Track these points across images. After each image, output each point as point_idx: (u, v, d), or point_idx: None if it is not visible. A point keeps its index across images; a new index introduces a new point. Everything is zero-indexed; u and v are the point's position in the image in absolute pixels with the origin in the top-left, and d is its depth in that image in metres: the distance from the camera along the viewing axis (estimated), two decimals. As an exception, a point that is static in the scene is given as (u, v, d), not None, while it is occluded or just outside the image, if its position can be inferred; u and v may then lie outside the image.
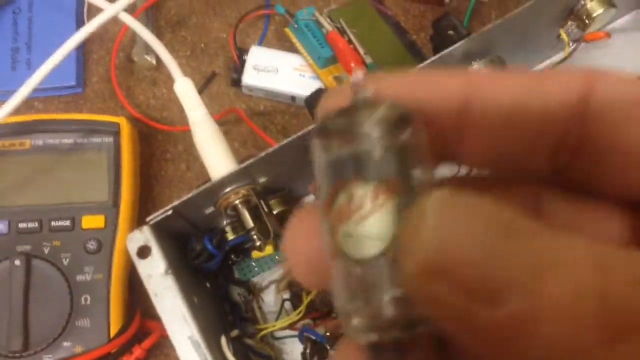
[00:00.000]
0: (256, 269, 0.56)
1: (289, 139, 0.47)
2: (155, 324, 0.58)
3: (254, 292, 0.55)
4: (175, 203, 0.46)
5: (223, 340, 0.47)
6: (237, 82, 0.65)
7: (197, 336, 0.44)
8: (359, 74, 0.21)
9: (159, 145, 0.64)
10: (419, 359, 0.19)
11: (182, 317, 0.44)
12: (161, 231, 0.47)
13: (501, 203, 0.17)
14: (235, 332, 0.50)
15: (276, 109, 0.65)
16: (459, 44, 0.47)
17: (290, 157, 0.48)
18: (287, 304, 0.54)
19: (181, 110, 0.64)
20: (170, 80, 0.65)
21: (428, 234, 0.17)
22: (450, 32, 0.52)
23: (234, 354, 0.46)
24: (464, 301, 0.16)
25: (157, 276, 0.45)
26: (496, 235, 0.17)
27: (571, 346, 0.15)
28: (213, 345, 0.45)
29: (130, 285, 0.58)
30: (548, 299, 0.15)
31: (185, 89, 0.52)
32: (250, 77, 0.64)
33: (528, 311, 0.16)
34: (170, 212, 0.46)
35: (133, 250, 0.45)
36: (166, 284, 0.45)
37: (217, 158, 0.49)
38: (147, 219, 0.46)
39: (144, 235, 0.46)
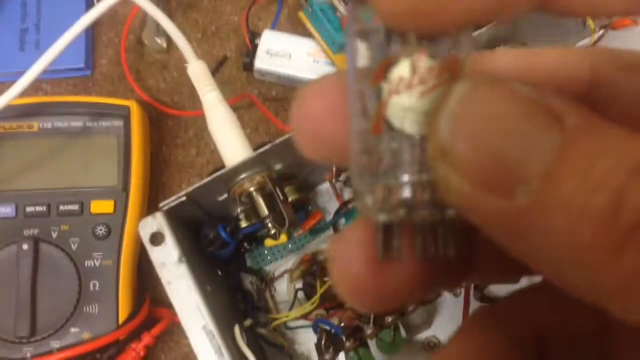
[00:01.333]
0: (269, 257, 0.55)
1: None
2: (164, 311, 0.57)
3: (266, 280, 0.55)
4: (189, 189, 0.45)
5: (237, 329, 0.46)
6: (249, 67, 0.64)
7: (211, 326, 0.43)
8: None
9: (169, 129, 0.63)
10: (446, 238, 0.19)
11: (195, 306, 0.43)
12: (174, 218, 0.46)
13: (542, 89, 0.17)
14: (248, 322, 0.49)
15: (288, 95, 0.64)
16: (484, 29, 0.46)
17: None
18: (300, 293, 0.53)
19: (192, 94, 0.63)
20: (180, 63, 0.64)
21: (445, 115, 0.17)
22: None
23: (247, 344, 0.45)
24: (472, 190, 0.16)
25: (171, 264, 0.44)
26: (515, 118, 0.16)
27: (575, 245, 0.15)
28: (226, 334, 0.44)
29: (139, 272, 0.57)
30: (560, 193, 0.15)
31: (199, 72, 0.51)
32: (262, 62, 0.63)
33: (538, 204, 0.15)
34: (184, 198, 0.45)
35: (146, 236, 0.44)
36: (179, 272, 0.44)
37: (232, 144, 0.48)
38: (160, 205, 0.45)
39: (157, 222, 0.45)
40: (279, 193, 0.47)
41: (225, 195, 0.48)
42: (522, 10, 0.19)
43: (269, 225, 0.47)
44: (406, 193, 0.18)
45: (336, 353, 0.48)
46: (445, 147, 0.16)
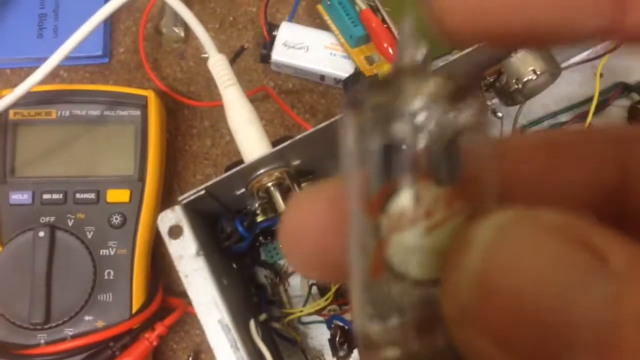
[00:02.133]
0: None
1: (327, 122, 0.46)
2: (178, 301, 0.57)
3: (280, 275, 0.55)
4: (209, 183, 0.45)
5: (252, 324, 0.46)
6: (266, 58, 0.64)
7: (227, 320, 0.43)
8: (405, 27, 0.17)
9: (185, 119, 0.63)
10: None
11: (212, 300, 0.44)
12: (192, 211, 0.46)
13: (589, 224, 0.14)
14: (263, 316, 0.50)
15: (305, 88, 0.64)
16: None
17: (325, 141, 0.48)
18: (314, 289, 0.54)
19: (208, 84, 0.63)
20: (198, 53, 0.64)
21: (467, 273, 0.14)
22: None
23: (262, 339, 0.46)
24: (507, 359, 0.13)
25: (189, 257, 0.44)
26: (555, 267, 0.13)
27: None
28: (242, 328, 0.45)
29: (152, 261, 0.58)
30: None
31: (220, 66, 0.51)
32: (279, 54, 0.63)
33: None
34: (203, 192, 0.45)
35: (164, 229, 0.45)
36: (197, 265, 0.44)
37: (251, 139, 0.48)
38: (179, 199, 0.45)
39: (175, 215, 0.45)
40: (297, 189, 0.47)
41: (243, 190, 0.48)
42: (585, 29, 0.16)
43: (286, 220, 0.47)
44: (420, 343, 0.16)
45: (350, 350, 0.48)
46: (470, 312, 0.14)
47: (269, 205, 0.49)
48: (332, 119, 0.46)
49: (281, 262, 0.56)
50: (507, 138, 0.19)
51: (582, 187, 0.18)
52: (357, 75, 0.53)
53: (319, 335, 0.55)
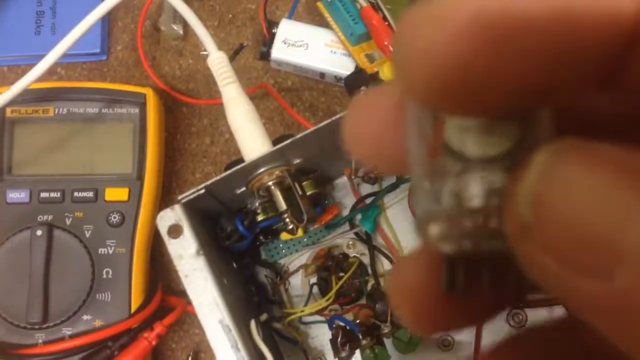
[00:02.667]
0: (283, 250, 0.55)
1: (327, 121, 0.45)
2: (177, 300, 0.57)
3: (281, 274, 0.55)
4: (209, 182, 0.45)
5: (253, 324, 0.46)
6: (265, 56, 0.63)
7: (228, 320, 0.43)
8: None
9: (184, 117, 0.63)
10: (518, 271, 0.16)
11: (212, 300, 0.43)
12: (192, 210, 0.46)
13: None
14: (264, 317, 0.49)
15: (304, 85, 0.64)
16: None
17: (327, 140, 0.47)
18: (314, 288, 0.53)
19: (207, 82, 0.63)
20: (196, 50, 0.64)
21: (525, 192, 0.15)
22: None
23: (263, 339, 0.45)
24: (564, 272, 0.14)
25: (189, 257, 0.44)
26: (608, 190, 0.14)
27: None
28: (242, 329, 0.44)
29: (151, 260, 0.57)
30: None
31: (219, 64, 0.50)
32: (279, 51, 0.62)
33: None
34: (203, 191, 0.45)
35: (164, 229, 0.44)
36: (197, 265, 0.44)
37: (251, 138, 0.48)
38: (179, 198, 0.45)
39: (175, 214, 0.45)
40: (298, 188, 0.47)
41: (243, 189, 0.48)
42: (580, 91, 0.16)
43: (287, 220, 0.47)
44: (473, 221, 0.16)
45: (352, 350, 0.48)
46: (528, 227, 0.15)
47: (269, 204, 0.49)
48: (333, 118, 0.46)
49: (282, 261, 0.56)
50: None
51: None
52: (358, 73, 0.53)
53: (320, 335, 0.54)
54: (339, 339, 0.48)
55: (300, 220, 0.47)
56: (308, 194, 0.49)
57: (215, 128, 0.63)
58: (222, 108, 0.60)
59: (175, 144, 0.62)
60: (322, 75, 0.63)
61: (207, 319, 0.43)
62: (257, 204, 0.48)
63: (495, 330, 0.55)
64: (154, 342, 0.54)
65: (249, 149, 0.47)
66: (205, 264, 0.44)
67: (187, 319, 0.59)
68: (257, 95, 0.63)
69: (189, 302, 0.55)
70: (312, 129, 0.45)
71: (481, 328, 0.52)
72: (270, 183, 0.47)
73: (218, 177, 0.45)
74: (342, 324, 0.49)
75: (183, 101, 0.62)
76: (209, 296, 0.43)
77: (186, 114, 0.63)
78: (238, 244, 0.49)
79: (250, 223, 0.49)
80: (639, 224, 0.13)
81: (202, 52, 0.64)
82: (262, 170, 0.47)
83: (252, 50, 0.65)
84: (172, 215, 0.45)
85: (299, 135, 0.45)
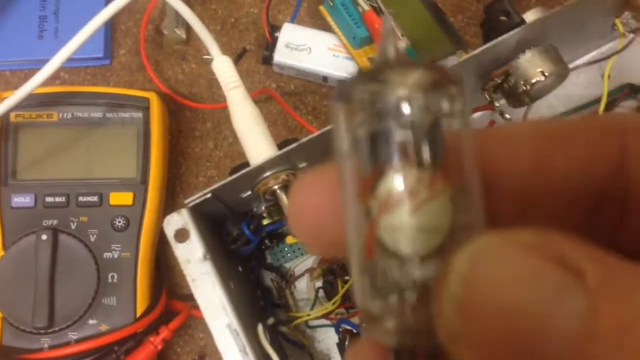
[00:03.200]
0: (289, 254, 0.55)
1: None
2: (182, 304, 0.57)
3: (286, 278, 0.55)
4: (215, 186, 0.45)
5: (260, 328, 0.46)
6: (268, 60, 0.63)
7: (235, 324, 0.43)
8: (387, 22, 0.18)
9: (187, 122, 0.63)
10: None
11: (220, 304, 0.43)
12: (198, 214, 0.46)
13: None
14: (271, 320, 0.49)
15: (307, 89, 0.64)
16: (515, 31, 0.46)
17: (332, 143, 0.47)
18: (320, 292, 0.53)
19: (210, 86, 0.63)
20: (199, 54, 0.64)
21: (448, 299, 0.15)
22: (503, 18, 0.50)
23: (270, 343, 0.45)
24: None
25: (196, 261, 0.44)
26: (530, 288, 0.14)
27: None
28: (250, 333, 0.44)
29: (155, 265, 0.57)
30: None
31: (224, 68, 0.51)
32: (282, 55, 0.62)
33: None
34: (209, 195, 0.45)
35: (170, 233, 0.44)
36: (204, 269, 0.44)
37: (257, 141, 0.48)
38: (186, 202, 0.45)
39: (182, 218, 0.45)
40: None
41: (249, 193, 0.48)
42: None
43: (293, 223, 0.47)
44: (412, 318, 0.17)
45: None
46: (456, 331, 0.15)
47: (275, 207, 0.49)
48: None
49: (287, 265, 0.56)
50: (497, 127, 0.20)
51: (576, 176, 0.19)
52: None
53: (327, 339, 0.54)
54: (346, 343, 0.48)
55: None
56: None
57: (218, 132, 0.63)
58: (225, 112, 0.60)
59: (179, 148, 0.62)
60: (325, 79, 0.63)
61: (214, 323, 0.43)
62: (263, 207, 0.48)
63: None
64: (159, 347, 0.54)
65: (254, 153, 0.47)
66: (212, 268, 0.44)
67: (192, 323, 0.59)
68: (260, 99, 0.63)
69: (194, 306, 0.55)
70: (317, 132, 0.46)
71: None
72: (276, 187, 0.47)
73: (224, 181, 0.45)
74: (348, 327, 0.49)
75: (186, 105, 0.62)
76: (217, 300, 0.43)
77: (189, 118, 0.63)
78: (244, 248, 0.50)
79: (256, 227, 0.49)
80: (564, 325, 0.13)
81: (204, 57, 0.64)
82: (267, 174, 0.47)
83: (255, 55, 0.65)
84: (178, 220, 0.45)
85: (304, 139, 0.46)
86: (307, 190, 0.20)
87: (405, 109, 0.17)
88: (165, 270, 0.59)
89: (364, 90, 0.17)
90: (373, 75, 0.17)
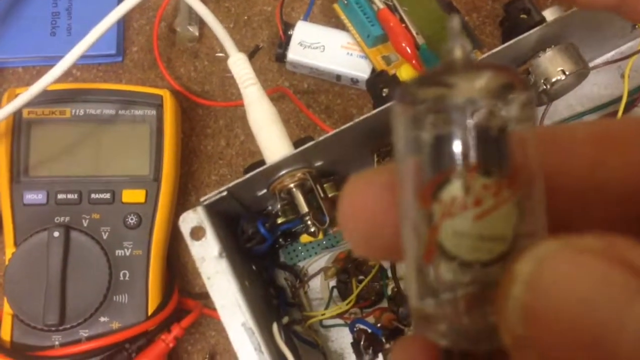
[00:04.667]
0: (303, 253, 0.55)
1: (351, 123, 0.45)
2: (194, 302, 0.57)
3: (300, 277, 0.54)
4: (231, 184, 0.44)
5: (275, 327, 0.45)
6: (281, 58, 0.63)
7: (251, 323, 0.43)
8: (455, 21, 0.17)
9: (199, 119, 0.63)
10: None
11: (235, 303, 0.43)
12: (214, 212, 0.45)
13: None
14: (286, 319, 0.49)
15: (320, 88, 0.64)
16: (536, 29, 0.45)
17: (349, 142, 0.47)
18: (335, 292, 0.53)
19: (222, 84, 0.63)
20: (212, 52, 0.64)
21: (513, 305, 0.15)
22: (523, 16, 0.49)
23: (284, 342, 0.45)
24: None
25: (211, 259, 0.44)
26: (596, 295, 0.14)
27: None
28: (265, 332, 0.44)
29: (167, 262, 0.57)
30: None
31: (240, 65, 0.50)
32: (295, 53, 0.62)
33: None
34: (225, 193, 0.45)
35: (186, 231, 0.44)
36: (220, 267, 0.44)
37: (273, 140, 0.47)
38: (201, 199, 0.45)
39: (197, 216, 0.44)
40: (320, 190, 0.47)
41: (264, 191, 0.48)
42: None
43: (309, 222, 0.46)
44: (470, 323, 0.17)
45: (375, 354, 0.48)
46: (523, 337, 0.15)
47: (290, 206, 0.49)
48: (355, 120, 0.45)
49: (301, 264, 0.55)
50: (553, 129, 0.20)
51: (633, 180, 0.18)
52: (380, 74, 0.53)
53: (340, 339, 0.54)
54: (361, 343, 0.48)
55: (322, 223, 0.46)
56: (329, 196, 0.49)
57: (230, 130, 0.62)
58: (238, 110, 0.60)
59: (191, 146, 0.62)
60: (338, 77, 0.62)
61: (230, 322, 0.43)
62: (278, 206, 0.47)
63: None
64: (171, 345, 0.54)
65: (271, 151, 0.47)
66: (227, 266, 0.44)
67: (203, 321, 0.59)
68: (273, 98, 0.62)
69: (206, 305, 0.55)
70: (334, 131, 0.45)
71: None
72: (291, 185, 0.47)
73: (240, 179, 0.44)
74: (363, 327, 0.49)
75: (199, 103, 0.62)
76: (232, 298, 0.43)
77: (202, 115, 0.63)
78: (259, 247, 0.49)
79: (272, 225, 0.48)
80: (632, 330, 0.13)
81: (217, 54, 0.64)
82: (283, 172, 0.47)
83: (268, 53, 0.64)
84: (194, 217, 0.44)
85: (321, 138, 0.45)
86: (361, 191, 0.19)
87: (472, 114, 0.16)
88: (177, 269, 0.58)
89: (429, 93, 0.17)
90: (439, 78, 0.17)
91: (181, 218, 0.44)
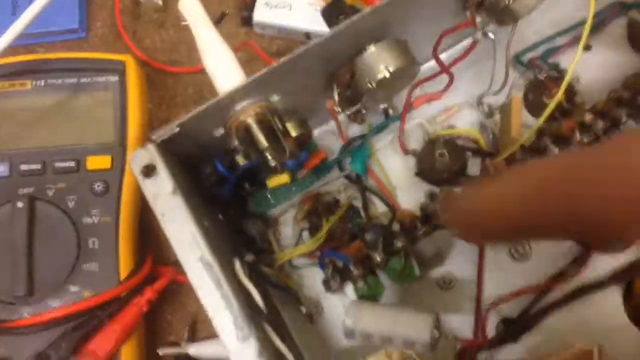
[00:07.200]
0: (272, 200, 0.52)
1: (305, 47, 0.43)
2: (167, 268, 0.55)
3: (270, 223, 0.52)
4: (182, 119, 0.43)
5: (237, 263, 0.43)
6: (248, 21, 0.62)
7: (209, 257, 0.40)
8: None
9: (168, 89, 0.61)
10: None
11: (191, 238, 0.41)
12: (168, 151, 0.43)
13: None
14: (250, 257, 0.46)
15: (290, 48, 0.62)
16: (342, 25, 0.43)
17: (305, 71, 0.45)
18: (305, 234, 0.50)
19: (190, 52, 0.61)
20: (178, 21, 0.63)
21: None
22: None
23: (249, 277, 0.42)
24: None
25: (165, 195, 0.41)
26: None
27: None
28: (226, 268, 0.41)
29: (141, 230, 0.55)
30: None
31: (191, 9, 0.48)
32: (261, 14, 0.61)
33: None
34: (177, 129, 0.43)
35: (137, 169, 0.42)
36: (174, 203, 0.41)
37: (226, 71, 0.45)
38: (153, 137, 0.43)
39: (149, 154, 0.42)
40: (278, 123, 0.45)
41: (222, 130, 0.46)
42: None
43: (269, 156, 0.44)
44: None
45: (342, 282, 0.45)
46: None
47: (252, 147, 0.46)
48: (310, 44, 0.44)
49: (270, 212, 0.53)
50: None
51: None
52: (335, 3, 0.51)
53: (314, 284, 0.51)
54: (329, 273, 0.45)
55: (282, 156, 0.44)
56: (293, 135, 0.47)
57: (201, 96, 0.61)
58: (206, 76, 0.58)
59: (161, 116, 0.61)
60: (308, 35, 0.61)
61: (186, 257, 0.40)
62: (235, 142, 0.45)
63: (498, 266, 0.52)
64: (144, 309, 0.51)
65: (223, 82, 0.45)
66: (182, 202, 0.41)
67: (183, 290, 0.57)
68: (241, 58, 0.61)
69: (180, 271, 0.53)
70: (289, 56, 0.43)
71: (483, 265, 0.49)
72: (249, 120, 0.44)
73: (191, 114, 0.42)
74: (334, 258, 0.46)
75: (166, 71, 0.61)
76: (188, 233, 0.41)
77: (171, 84, 0.61)
78: (222, 189, 0.47)
79: (231, 163, 0.46)
80: None
81: (183, 23, 0.62)
82: (239, 107, 0.44)
83: (235, 18, 0.63)
84: (145, 155, 0.42)
85: (276, 64, 0.43)
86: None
87: None
88: (151, 238, 0.56)
89: None
90: None
91: (132, 155, 0.42)
